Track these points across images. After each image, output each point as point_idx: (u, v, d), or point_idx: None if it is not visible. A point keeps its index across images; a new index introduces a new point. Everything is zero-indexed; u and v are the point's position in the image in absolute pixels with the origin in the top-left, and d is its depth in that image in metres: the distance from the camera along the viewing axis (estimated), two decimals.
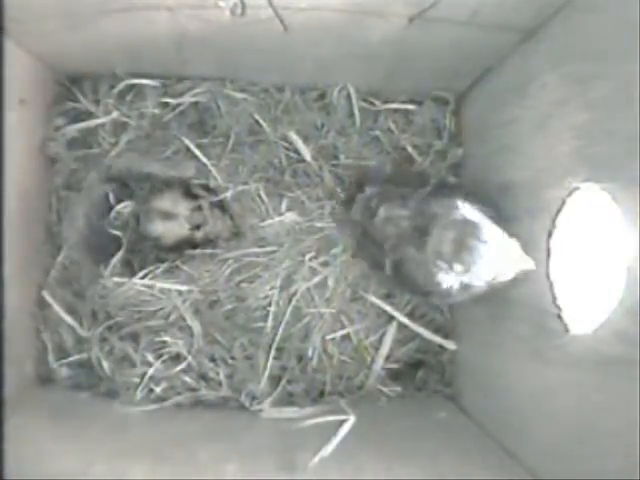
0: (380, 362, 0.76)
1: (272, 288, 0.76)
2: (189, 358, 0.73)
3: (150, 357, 0.73)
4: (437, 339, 0.77)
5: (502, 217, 0.59)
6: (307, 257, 0.77)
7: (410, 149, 0.80)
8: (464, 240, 0.55)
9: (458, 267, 0.56)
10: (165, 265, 0.76)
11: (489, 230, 0.55)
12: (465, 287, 0.58)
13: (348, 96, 0.80)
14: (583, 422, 0.47)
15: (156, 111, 0.78)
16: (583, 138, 0.49)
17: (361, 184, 0.73)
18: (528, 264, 0.53)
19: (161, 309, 0.74)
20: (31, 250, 0.73)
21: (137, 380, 0.72)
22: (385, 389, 0.76)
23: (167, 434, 0.63)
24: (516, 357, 0.60)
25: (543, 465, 0.53)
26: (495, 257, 0.54)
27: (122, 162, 0.77)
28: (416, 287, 0.64)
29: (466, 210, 0.58)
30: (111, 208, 0.79)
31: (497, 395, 0.65)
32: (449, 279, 0.58)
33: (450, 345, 0.77)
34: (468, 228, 0.56)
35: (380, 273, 0.71)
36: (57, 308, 0.75)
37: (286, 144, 0.79)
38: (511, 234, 0.55)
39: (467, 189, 0.67)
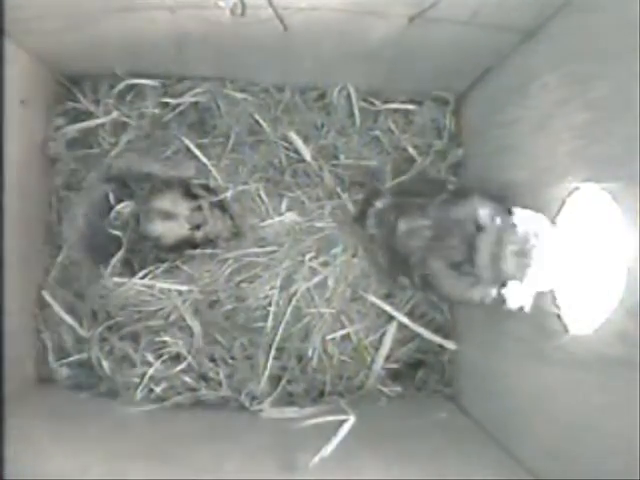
0: (380, 362, 0.76)
1: (272, 288, 0.76)
2: (189, 358, 0.73)
3: (150, 357, 0.73)
4: (437, 339, 0.77)
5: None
6: (307, 257, 0.76)
7: (410, 149, 0.80)
8: (527, 252, 0.50)
9: (522, 280, 0.51)
10: (165, 265, 0.76)
11: (548, 235, 0.50)
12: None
13: (348, 96, 0.80)
14: (583, 422, 0.47)
15: (156, 111, 0.78)
16: (583, 138, 0.49)
17: (371, 199, 0.72)
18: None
19: (161, 309, 0.74)
20: (31, 250, 0.73)
21: (137, 380, 0.72)
22: (385, 389, 0.76)
23: (167, 434, 0.63)
24: (516, 357, 0.60)
25: (543, 465, 0.53)
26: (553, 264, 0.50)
27: (122, 162, 0.77)
28: (448, 298, 0.63)
29: (522, 216, 0.52)
30: (111, 208, 0.79)
31: (497, 395, 0.65)
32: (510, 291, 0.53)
33: (450, 345, 0.77)
34: (529, 237, 0.51)
35: (409, 287, 0.70)
36: (57, 308, 0.75)
37: (286, 144, 0.79)
38: None
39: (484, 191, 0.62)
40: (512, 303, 0.54)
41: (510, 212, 0.53)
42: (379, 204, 0.70)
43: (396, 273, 0.70)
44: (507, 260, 0.52)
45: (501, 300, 0.55)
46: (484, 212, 0.56)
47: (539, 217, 0.52)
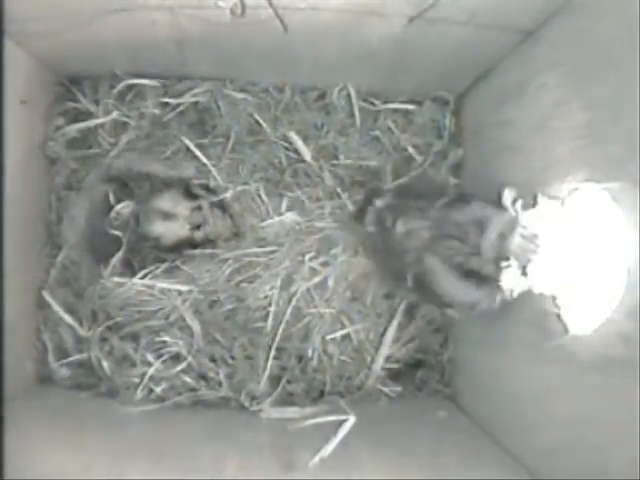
0: (380, 362, 0.76)
1: (272, 288, 0.76)
2: (189, 358, 0.73)
3: (150, 357, 0.73)
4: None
5: None
6: (307, 257, 0.76)
7: (410, 149, 0.80)
8: (534, 238, 0.55)
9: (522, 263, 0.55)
10: (165, 265, 0.76)
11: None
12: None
13: (348, 96, 0.80)
14: (583, 422, 0.47)
15: (156, 111, 0.78)
16: (583, 138, 0.49)
17: (371, 197, 0.72)
18: None
19: (161, 309, 0.74)
20: (31, 250, 0.73)
21: (137, 380, 0.72)
22: (385, 389, 0.76)
23: (167, 434, 0.63)
24: (516, 357, 0.60)
25: (543, 465, 0.53)
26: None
27: (122, 162, 0.77)
28: (439, 298, 0.64)
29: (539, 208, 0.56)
30: (111, 208, 0.79)
31: (497, 395, 0.65)
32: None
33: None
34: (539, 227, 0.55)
35: (402, 286, 0.69)
36: (57, 308, 0.75)
37: (286, 144, 0.79)
38: None
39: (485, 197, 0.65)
40: (505, 282, 0.56)
41: (535, 200, 0.55)
42: (379, 203, 0.70)
43: (391, 271, 0.71)
44: (514, 240, 0.55)
45: (491, 302, 0.57)
46: (486, 213, 0.58)
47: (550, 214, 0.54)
